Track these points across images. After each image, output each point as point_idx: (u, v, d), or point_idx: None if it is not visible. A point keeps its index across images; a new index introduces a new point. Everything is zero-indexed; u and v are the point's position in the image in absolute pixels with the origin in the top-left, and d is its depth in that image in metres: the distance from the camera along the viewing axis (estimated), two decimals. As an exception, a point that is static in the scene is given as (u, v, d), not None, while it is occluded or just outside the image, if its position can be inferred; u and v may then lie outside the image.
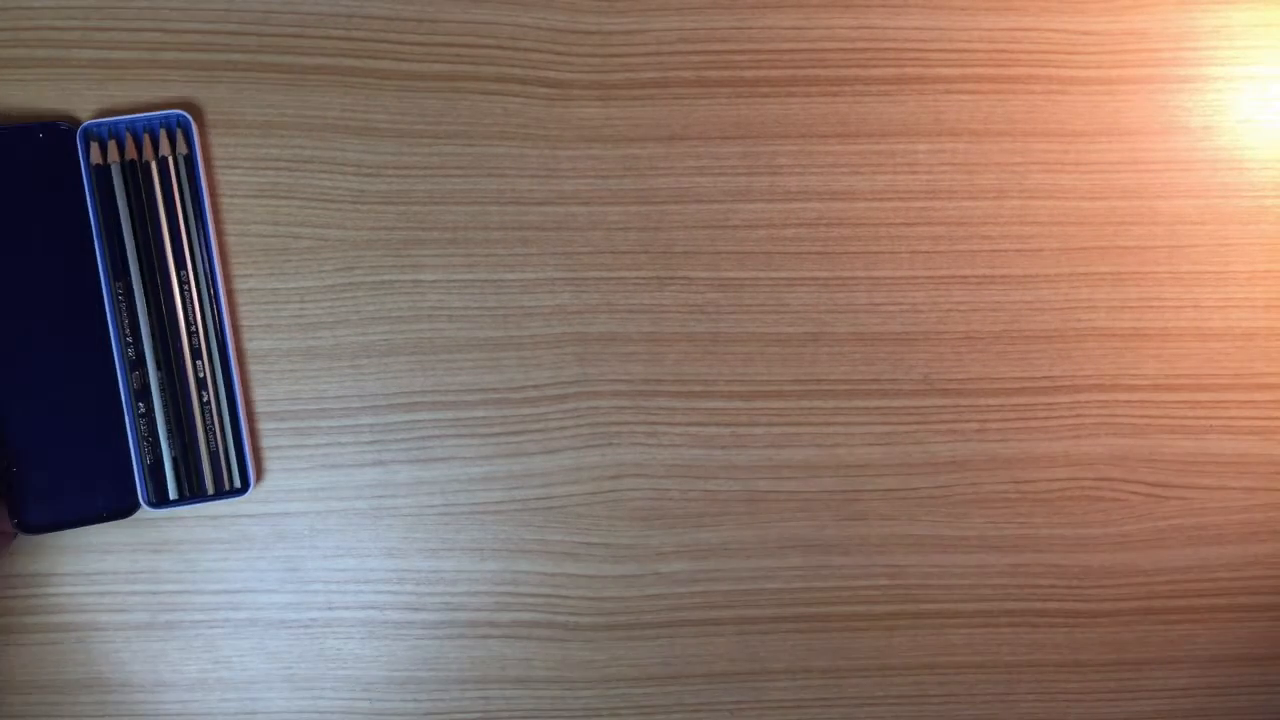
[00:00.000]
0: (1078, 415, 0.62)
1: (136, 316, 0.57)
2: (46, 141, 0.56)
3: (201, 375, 0.58)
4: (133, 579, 0.59)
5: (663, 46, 0.60)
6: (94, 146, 0.56)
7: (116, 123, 0.57)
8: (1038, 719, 0.63)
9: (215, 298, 0.58)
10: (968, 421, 0.61)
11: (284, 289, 0.59)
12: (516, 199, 0.60)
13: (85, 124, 0.56)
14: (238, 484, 0.58)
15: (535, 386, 0.60)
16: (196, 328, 0.58)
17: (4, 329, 0.56)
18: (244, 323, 0.59)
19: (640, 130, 0.60)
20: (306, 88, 0.59)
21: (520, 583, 0.61)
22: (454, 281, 0.60)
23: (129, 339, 0.57)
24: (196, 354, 0.58)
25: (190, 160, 0.57)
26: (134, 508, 0.57)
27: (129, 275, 0.57)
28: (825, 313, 0.61)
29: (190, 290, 0.58)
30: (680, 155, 0.60)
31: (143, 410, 0.57)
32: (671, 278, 0.60)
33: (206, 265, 0.58)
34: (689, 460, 0.61)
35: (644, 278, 0.60)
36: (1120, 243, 0.62)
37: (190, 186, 0.57)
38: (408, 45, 0.59)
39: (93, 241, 0.56)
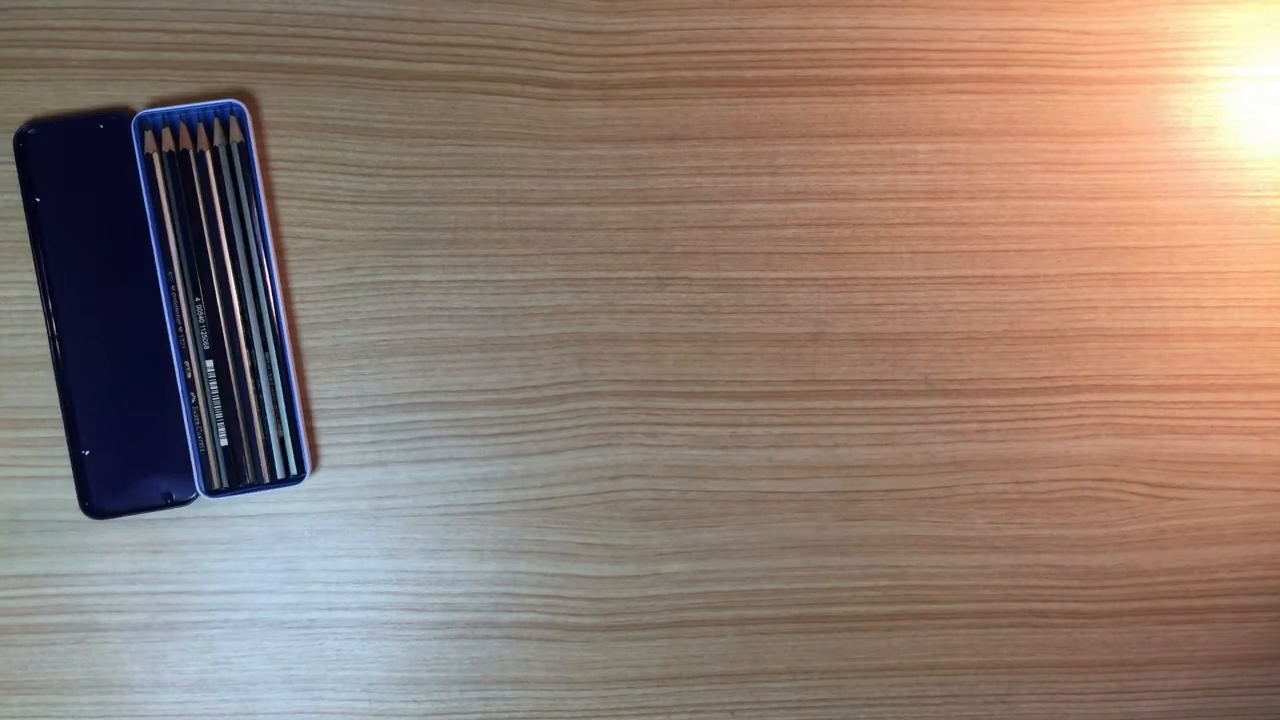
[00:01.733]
0: (1078, 416, 0.62)
1: (192, 306, 0.57)
2: (107, 133, 0.57)
3: (255, 364, 0.58)
4: (133, 579, 0.59)
5: (663, 46, 0.60)
6: (148, 136, 0.57)
7: (170, 112, 0.57)
8: (1038, 719, 0.63)
9: (271, 287, 0.58)
10: (968, 422, 0.61)
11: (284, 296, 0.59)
12: (516, 199, 0.60)
13: (140, 113, 0.57)
14: (294, 472, 0.58)
15: (535, 386, 0.60)
16: (250, 317, 0.58)
17: (73, 318, 0.57)
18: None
19: (640, 130, 0.60)
20: (306, 88, 0.59)
21: (520, 583, 0.60)
22: (454, 281, 0.60)
23: (182, 328, 0.57)
24: (250, 343, 0.58)
25: (245, 149, 0.57)
26: (194, 498, 0.58)
27: (181, 264, 0.57)
28: (825, 313, 0.61)
29: (244, 279, 0.58)
30: (680, 155, 0.60)
31: (195, 400, 0.57)
32: (671, 278, 0.60)
33: (261, 254, 0.58)
34: (689, 460, 0.61)
35: (644, 278, 0.60)
36: (1121, 243, 0.62)
37: (245, 176, 0.57)
38: (408, 45, 0.59)
39: (149, 232, 0.57)
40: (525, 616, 0.61)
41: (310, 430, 0.59)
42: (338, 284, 0.59)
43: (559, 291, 0.60)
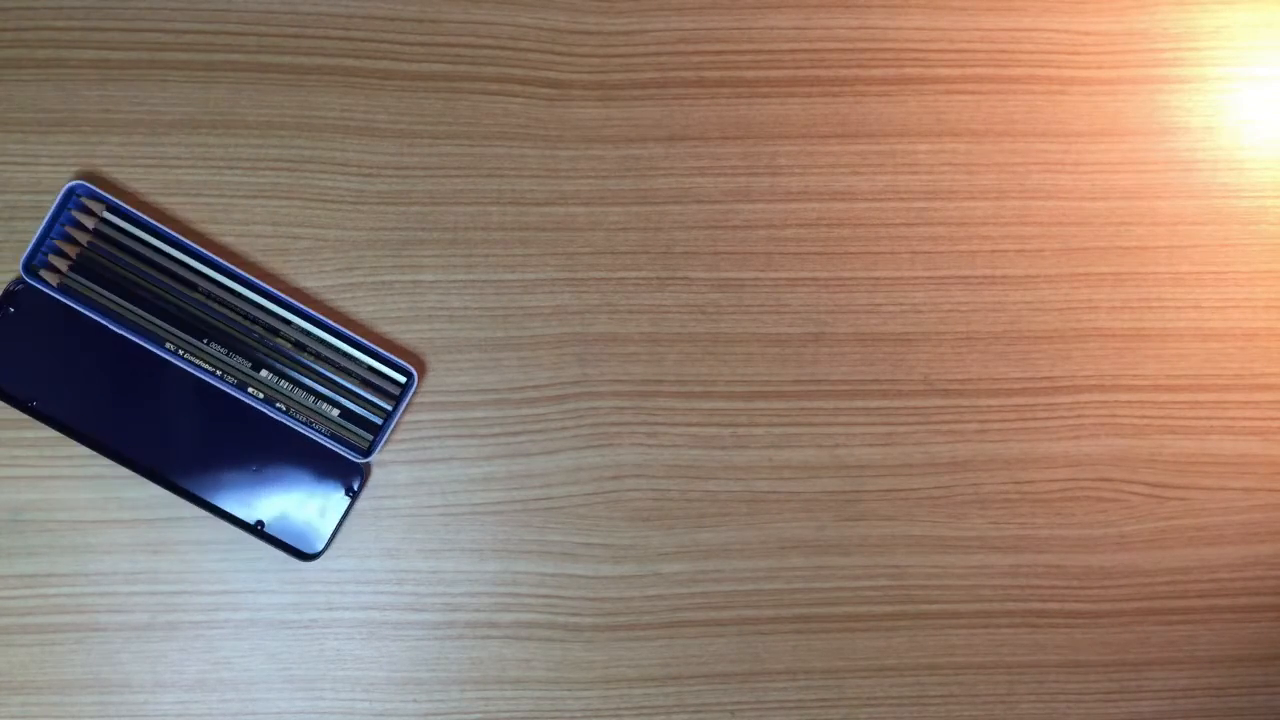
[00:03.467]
0: (1078, 416, 0.62)
1: (207, 348, 0.57)
2: (20, 303, 0.57)
3: (294, 339, 0.58)
4: (133, 579, 0.59)
5: (663, 46, 0.60)
6: (44, 274, 0.56)
7: (41, 241, 0.56)
8: (1038, 719, 0.63)
9: (239, 278, 0.58)
10: (968, 422, 0.61)
11: (284, 289, 0.59)
12: (516, 199, 0.60)
13: (21, 262, 0.56)
14: (403, 379, 0.59)
15: (535, 386, 0.60)
16: (254, 313, 0.58)
17: (141, 445, 0.58)
18: (244, 323, 0.59)
19: (640, 130, 0.60)
20: (306, 88, 0.59)
21: (520, 583, 0.61)
22: (454, 281, 0.60)
23: (220, 371, 0.57)
24: (274, 330, 0.58)
25: (117, 208, 0.57)
26: (363, 469, 0.59)
27: (168, 330, 0.57)
28: (825, 313, 0.61)
29: (217, 293, 0.58)
30: (680, 155, 0.60)
31: (284, 406, 0.58)
32: (671, 278, 0.60)
33: (206, 262, 0.58)
34: (689, 460, 0.61)
35: (644, 278, 0.60)
36: (1121, 243, 0.62)
37: (136, 223, 0.57)
38: (408, 45, 0.59)
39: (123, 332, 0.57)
40: (525, 616, 0.61)
41: (387, 341, 0.59)
42: (338, 284, 0.59)
43: (559, 291, 0.60)
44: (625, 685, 0.61)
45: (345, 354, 0.58)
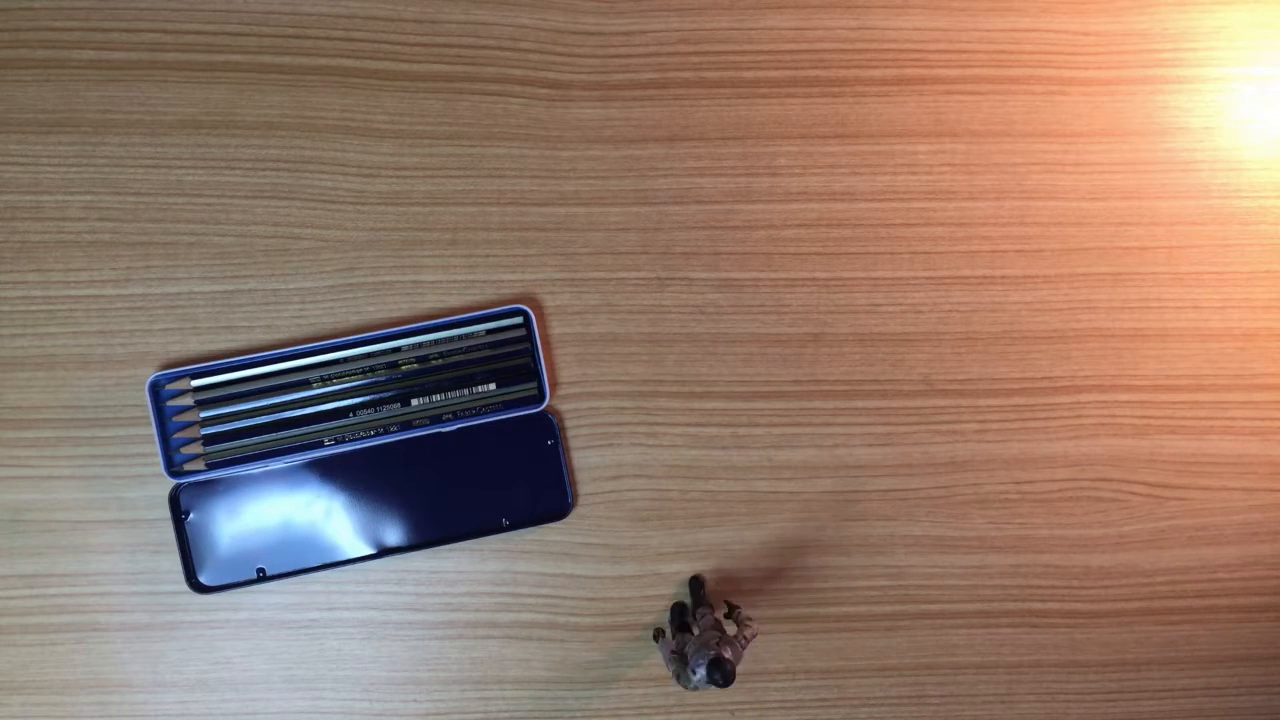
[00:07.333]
0: (1078, 416, 0.62)
1: (358, 422, 0.58)
2: (190, 503, 0.58)
3: (413, 357, 0.58)
4: (133, 579, 0.59)
5: (663, 47, 0.60)
6: (188, 467, 0.57)
7: (165, 443, 0.57)
8: (1037, 719, 0.63)
9: (331, 348, 0.58)
10: (968, 422, 0.61)
11: (284, 289, 0.59)
12: (516, 199, 0.60)
13: (164, 469, 0.57)
14: (519, 320, 0.59)
15: (535, 387, 0.60)
16: (364, 366, 0.58)
17: (386, 521, 0.59)
18: (243, 324, 0.59)
19: (640, 131, 0.60)
20: (306, 88, 0.59)
21: (520, 583, 0.61)
22: (454, 282, 0.60)
23: (379, 429, 0.58)
24: (392, 365, 0.58)
25: (199, 372, 0.57)
26: (550, 414, 0.59)
27: (316, 430, 0.58)
28: (825, 313, 0.61)
29: (326, 373, 0.58)
30: (680, 155, 0.60)
31: (451, 415, 0.59)
32: (672, 278, 0.60)
33: (297, 356, 0.58)
34: (689, 460, 0.61)
35: (644, 278, 0.60)
36: (1120, 243, 0.62)
37: (223, 370, 0.58)
38: (408, 46, 0.59)
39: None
40: (525, 616, 0.61)
41: (480, 304, 0.60)
42: (339, 284, 0.59)
43: (559, 292, 0.60)
44: (625, 685, 0.61)
45: (460, 336, 0.59)
